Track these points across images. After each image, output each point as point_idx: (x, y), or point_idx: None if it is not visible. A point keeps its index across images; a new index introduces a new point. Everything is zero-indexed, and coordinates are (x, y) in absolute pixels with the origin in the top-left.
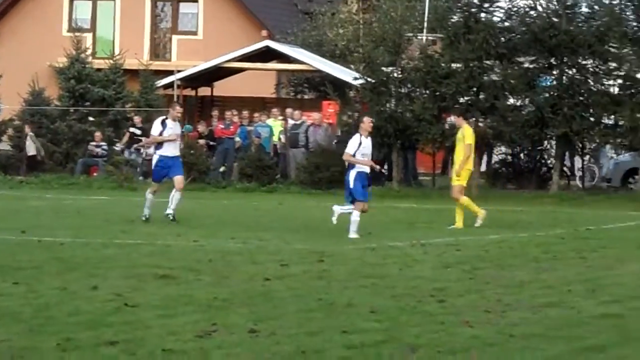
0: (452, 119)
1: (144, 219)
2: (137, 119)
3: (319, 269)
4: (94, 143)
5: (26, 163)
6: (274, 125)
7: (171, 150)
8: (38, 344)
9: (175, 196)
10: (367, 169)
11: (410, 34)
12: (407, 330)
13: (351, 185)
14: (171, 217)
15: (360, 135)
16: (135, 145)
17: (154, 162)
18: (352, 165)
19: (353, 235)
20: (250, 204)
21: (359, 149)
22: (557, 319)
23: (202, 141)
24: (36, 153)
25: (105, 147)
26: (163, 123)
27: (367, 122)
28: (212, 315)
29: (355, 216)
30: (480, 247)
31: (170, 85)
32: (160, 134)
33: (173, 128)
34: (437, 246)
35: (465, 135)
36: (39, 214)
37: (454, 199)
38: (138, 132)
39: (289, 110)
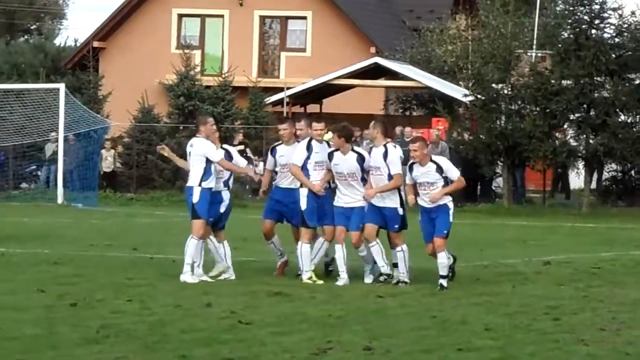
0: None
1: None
2: (238, 136)
3: (432, 286)
4: None
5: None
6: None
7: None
8: None
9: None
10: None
11: (520, 51)
12: (522, 348)
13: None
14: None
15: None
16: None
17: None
18: None
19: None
20: None
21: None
22: None
23: None
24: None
25: None
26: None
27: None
28: (326, 333)
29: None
30: (592, 265)
31: (279, 103)
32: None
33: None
34: (550, 264)
35: None
36: (149, 231)
37: None
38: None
39: (398, 128)
